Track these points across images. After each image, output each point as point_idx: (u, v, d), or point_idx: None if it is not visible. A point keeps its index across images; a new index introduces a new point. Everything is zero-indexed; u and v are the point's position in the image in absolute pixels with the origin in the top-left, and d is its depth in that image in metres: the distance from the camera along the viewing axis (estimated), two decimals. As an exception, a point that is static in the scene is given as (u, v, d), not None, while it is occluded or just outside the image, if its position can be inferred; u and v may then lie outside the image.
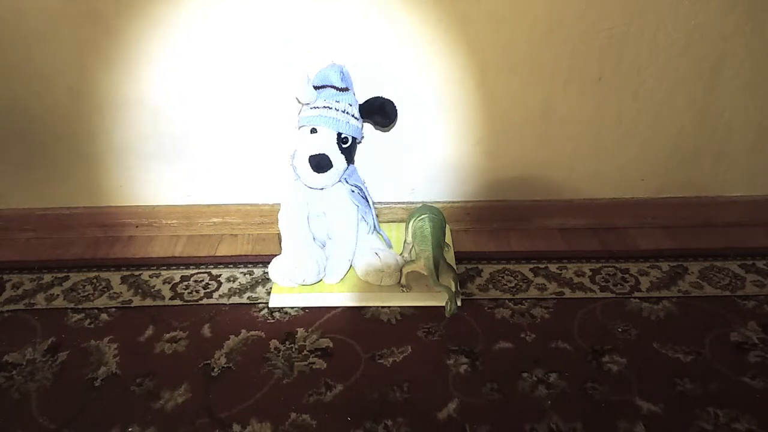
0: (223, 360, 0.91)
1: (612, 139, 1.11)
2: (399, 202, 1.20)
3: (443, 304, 0.98)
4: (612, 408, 0.82)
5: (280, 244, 1.03)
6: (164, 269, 1.11)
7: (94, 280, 1.08)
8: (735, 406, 0.82)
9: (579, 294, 1.03)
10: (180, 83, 1.03)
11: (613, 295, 1.03)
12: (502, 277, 1.07)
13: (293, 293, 1.02)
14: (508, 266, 1.11)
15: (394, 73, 1.02)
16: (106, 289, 1.06)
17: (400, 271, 1.02)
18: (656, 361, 0.89)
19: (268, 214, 1.18)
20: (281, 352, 0.92)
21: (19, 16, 0.96)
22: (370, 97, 1.00)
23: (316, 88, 0.97)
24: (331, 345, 0.93)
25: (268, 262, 1.05)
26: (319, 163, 0.95)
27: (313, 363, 0.90)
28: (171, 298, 1.04)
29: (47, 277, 1.09)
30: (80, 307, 1.02)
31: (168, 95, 1.04)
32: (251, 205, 1.19)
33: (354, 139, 1.00)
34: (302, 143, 0.98)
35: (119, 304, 1.02)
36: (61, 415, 0.82)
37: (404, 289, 1.02)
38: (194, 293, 1.05)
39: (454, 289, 0.97)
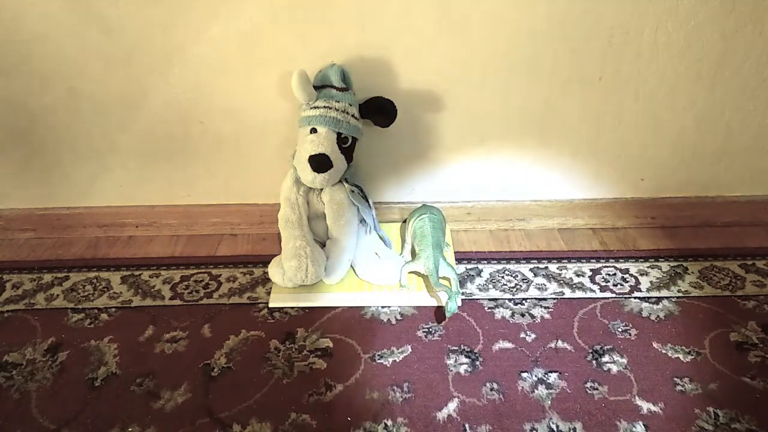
0: (223, 360, 0.91)
1: (612, 139, 1.11)
2: (399, 202, 1.20)
3: (443, 304, 0.98)
4: (612, 408, 0.82)
5: (280, 244, 1.03)
6: (164, 269, 1.11)
7: (94, 280, 1.08)
8: (735, 406, 0.82)
9: (579, 294, 1.03)
10: (180, 83, 1.03)
11: (613, 295, 1.03)
12: (502, 277, 1.07)
13: (293, 293, 1.02)
14: (508, 266, 1.11)
15: (394, 73, 1.02)
16: (106, 289, 1.06)
17: (400, 271, 1.02)
18: (656, 361, 0.89)
19: (268, 214, 1.18)
20: (281, 352, 0.92)
21: (20, 16, 0.95)
22: (370, 97, 1.00)
23: (316, 88, 0.97)
24: (331, 345, 0.93)
25: (268, 262, 1.05)
26: (319, 163, 0.95)
27: (313, 363, 0.90)
28: (171, 298, 1.04)
29: (47, 277, 1.09)
30: (80, 307, 1.02)
31: (168, 95, 1.04)
32: (251, 205, 1.19)
33: (354, 139, 1.00)
34: (302, 143, 0.98)
35: (119, 304, 1.02)
36: (61, 415, 0.82)
37: (404, 289, 1.02)
38: (194, 293, 1.05)
39: (454, 289, 0.97)
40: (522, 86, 1.04)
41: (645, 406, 0.82)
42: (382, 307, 1.00)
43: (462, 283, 1.06)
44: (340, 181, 1.02)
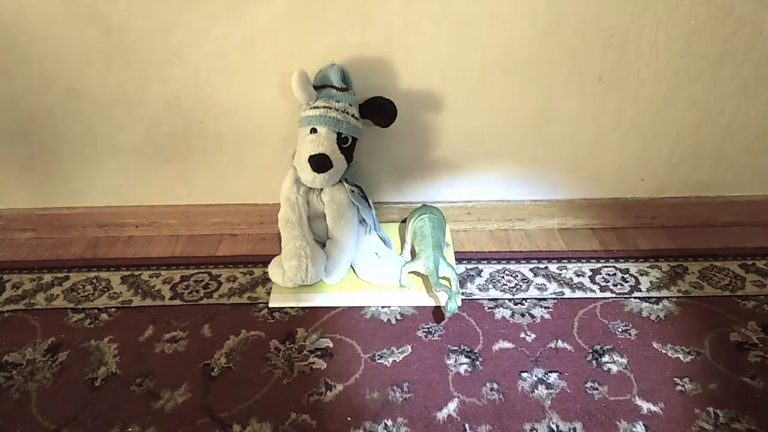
0: (223, 360, 0.91)
1: (612, 139, 1.11)
2: (399, 202, 1.20)
3: (443, 304, 0.98)
4: (612, 408, 0.82)
5: (280, 244, 1.03)
6: (164, 269, 1.11)
7: (94, 280, 1.08)
8: (735, 406, 0.82)
9: (579, 294, 1.03)
10: (180, 83, 1.03)
11: (613, 295, 1.03)
12: (502, 277, 1.07)
13: (293, 293, 1.02)
14: (508, 266, 1.11)
15: (394, 73, 1.02)
16: (106, 289, 1.06)
17: (400, 271, 1.02)
18: (656, 361, 0.89)
19: (268, 214, 1.18)
20: (281, 352, 0.92)
21: (19, 16, 0.95)
22: (370, 97, 1.00)
23: (316, 88, 0.97)
24: (331, 345, 0.93)
25: (268, 262, 1.05)
26: (319, 163, 0.95)
27: (313, 363, 0.90)
28: (171, 298, 1.04)
29: (47, 277, 1.09)
30: (80, 307, 1.02)
31: (168, 95, 1.04)
32: (251, 205, 1.19)
33: (354, 139, 1.00)
34: (302, 143, 0.98)
35: (119, 304, 1.02)
36: (61, 415, 0.82)
37: (404, 289, 1.02)
38: (194, 293, 1.05)
39: (454, 289, 0.97)
40: (522, 86, 1.04)
41: (645, 406, 0.82)
42: (382, 307, 1.00)
43: (462, 283, 1.06)
44: (340, 181, 1.02)
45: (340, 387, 0.86)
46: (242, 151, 1.12)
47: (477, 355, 0.91)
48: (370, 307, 1.01)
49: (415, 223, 1.06)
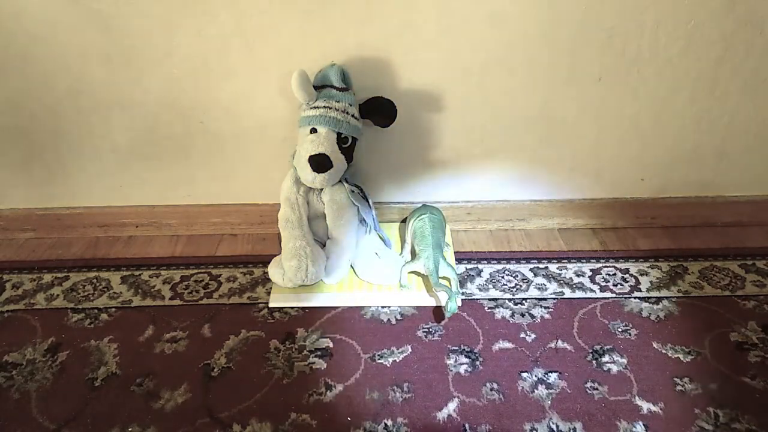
0: (223, 360, 0.91)
1: (612, 139, 1.11)
2: (399, 202, 1.20)
3: (443, 304, 0.98)
4: (612, 408, 0.82)
5: (280, 244, 1.03)
6: (164, 269, 1.11)
7: (94, 280, 1.08)
8: (735, 406, 0.82)
9: (579, 294, 1.03)
10: (180, 83, 1.03)
11: (613, 295, 1.03)
12: (502, 277, 1.07)
13: (293, 293, 1.02)
14: (508, 266, 1.11)
15: (394, 73, 1.02)
16: (106, 289, 1.06)
17: (400, 271, 1.02)
18: (656, 361, 0.89)
19: (268, 214, 1.18)
20: (281, 352, 0.92)
21: (19, 16, 0.95)
22: (370, 97, 1.00)
23: (316, 88, 0.97)
24: (331, 345, 0.93)
25: (268, 262, 1.05)
26: (319, 163, 0.95)
27: (313, 363, 0.90)
28: (171, 298, 1.04)
29: (47, 277, 1.09)
30: (80, 307, 1.02)
31: (168, 95, 1.04)
32: (251, 205, 1.19)
33: (354, 139, 1.00)
34: (302, 143, 0.98)
35: (119, 304, 1.02)
36: (61, 415, 0.82)
37: (404, 289, 1.02)
38: (194, 293, 1.05)
39: (454, 289, 0.97)
40: (522, 86, 1.04)
41: (645, 406, 0.82)
42: (382, 307, 1.00)
43: (462, 283, 1.06)
44: (340, 181, 1.02)
45: (340, 387, 0.86)
46: (242, 151, 1.12)
47: (477, 355, 0.91)
48: (370, 307, 1.01)
49: (415, 223, 1.06)
